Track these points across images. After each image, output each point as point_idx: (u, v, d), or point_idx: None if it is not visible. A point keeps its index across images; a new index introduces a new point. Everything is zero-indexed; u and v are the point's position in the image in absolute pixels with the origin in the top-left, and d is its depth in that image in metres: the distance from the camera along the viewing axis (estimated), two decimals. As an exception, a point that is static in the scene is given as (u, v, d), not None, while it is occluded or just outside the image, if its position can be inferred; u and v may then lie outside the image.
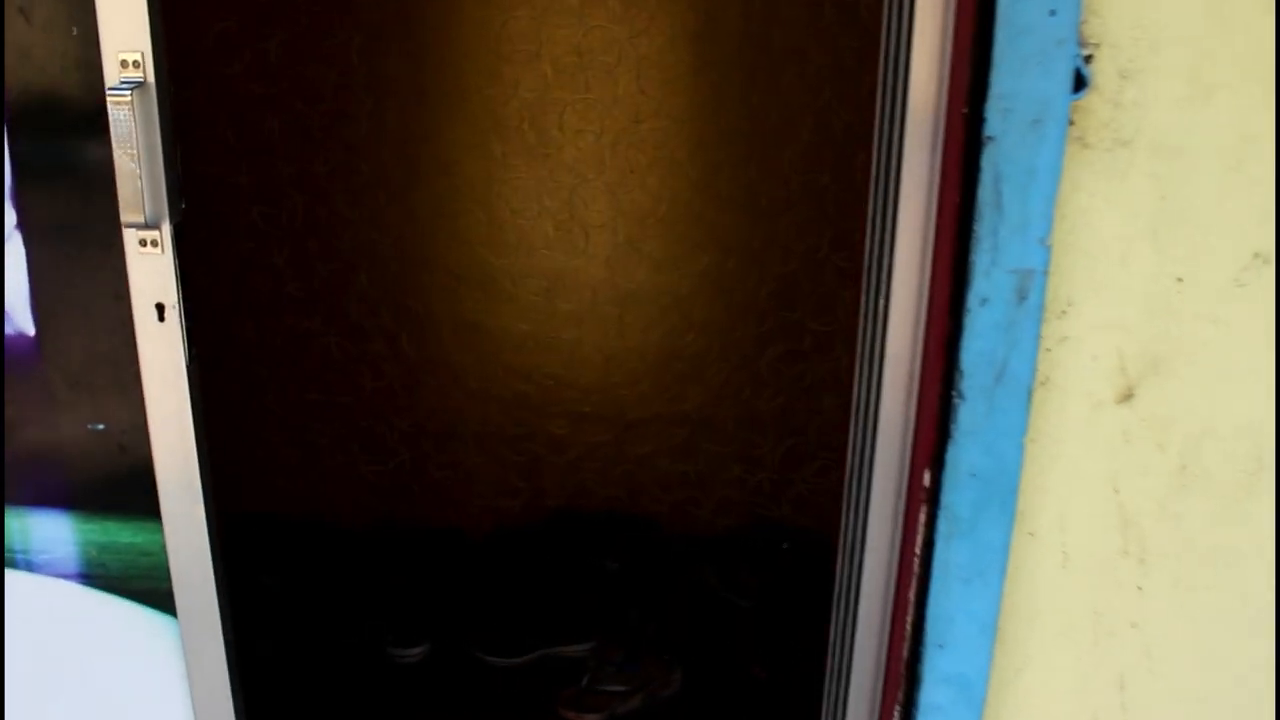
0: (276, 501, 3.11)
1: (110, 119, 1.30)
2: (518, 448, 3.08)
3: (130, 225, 1.36)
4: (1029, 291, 1.31)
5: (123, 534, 1.54)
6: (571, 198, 2.89)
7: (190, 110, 2.82)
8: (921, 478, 1.44)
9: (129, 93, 1.30)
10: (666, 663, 2.64)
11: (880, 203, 1.46)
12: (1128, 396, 1.41)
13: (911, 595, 1.49)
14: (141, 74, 1.33)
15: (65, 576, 1.58)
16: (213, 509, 1.53)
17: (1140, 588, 1.51)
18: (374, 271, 2.93)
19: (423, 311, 2.96)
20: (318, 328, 2.98)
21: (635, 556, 3.00)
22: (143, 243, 1.39)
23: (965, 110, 1.28)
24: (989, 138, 1.25)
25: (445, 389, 3.02)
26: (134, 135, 1.31)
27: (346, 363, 3.00)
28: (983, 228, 1.28)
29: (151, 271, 1.40)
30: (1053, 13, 1.21)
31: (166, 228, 1.38)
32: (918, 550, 1.46)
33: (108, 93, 1.30)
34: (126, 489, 1.51)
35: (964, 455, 1.37)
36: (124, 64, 1.32)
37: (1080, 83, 1.26)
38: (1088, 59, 1.26)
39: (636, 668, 2.63)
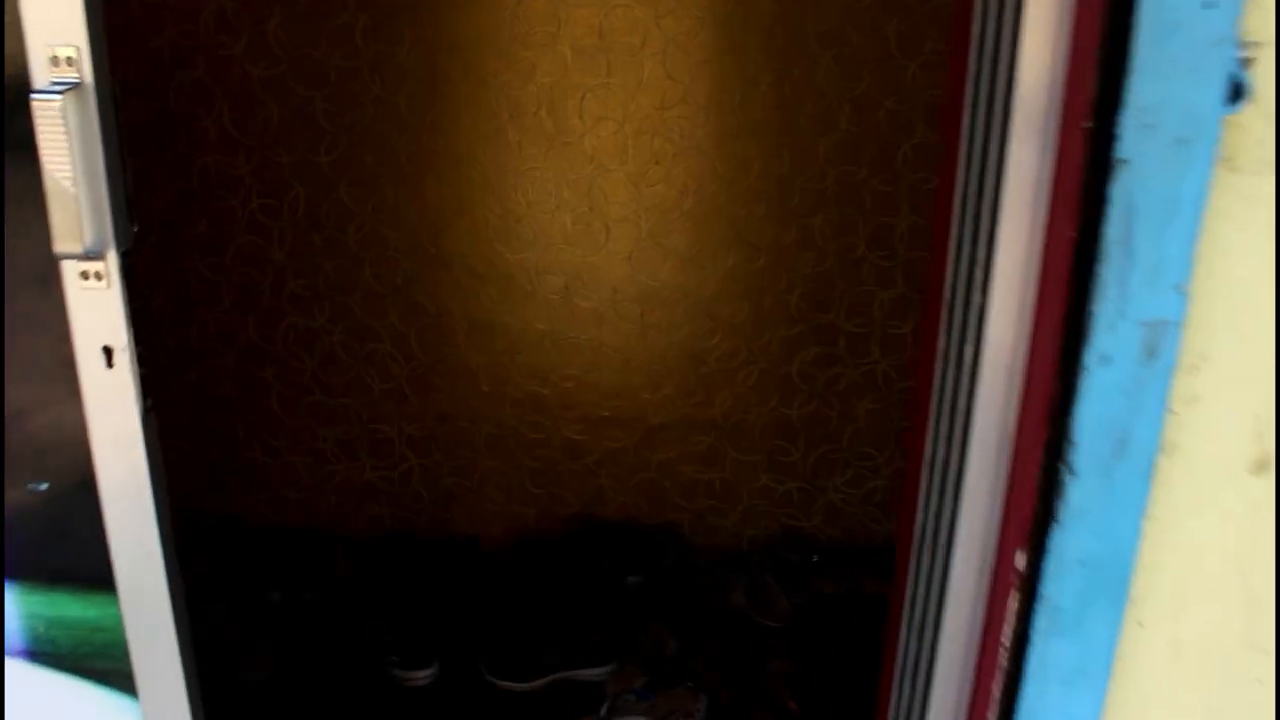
0: (278, 510, 2.85)
1: (37, 129, 1.02)
2: (533, 453, 2.81)
3: (66, 256, 1.08)
4: (1160, 347, 1.03)
5: (72, 607, 1.27)
6: (591, 189, 2.61)
7: (190, 93, 2.54)
8: (1012, 558, 1.16)
9: (59, 97, 1.02)
10: (691, 690, 2.39)
11: (967, 233, 1.17)
12: (1263, 466, 1.13)
13: (996, 691, 1.22)
14: (77, 73, 1.05)
15: (9, 653, 1.31)
16: (179, 581, 1.26)
17: (1260, 681, 1.24)
18: (381, 267, 2.65)
19: (433, 309, 2.68)
20: (322, 326, 2.70)
21: (656, 570, 2.73)
22: (84, 275, 1.11)
23: (1088, 125, 0.99)
24: (1122, 160, 0.97)
25: (457, 391, 2.75)
26: (69, 148, 1.04)
27: (352, 363, 2.73)
28: (1108, 271, 1.00)
29: (96, 309, 1.13)
30: (1208, 4, 0.93)
31: (113, 258, 1.11)
32: (1005, 641, 1.19)
33: (33, 97, 1.02)
34: (75, 557, 1.25)
35: (1071, 540, 1.10)
36: (55, 61, 1.04)
37: (1237, 92, 0.97)
38: (1246, 63, 0.98)
39: (658, 696, 2.37)
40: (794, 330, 2.71)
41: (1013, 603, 1.17)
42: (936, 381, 1.25)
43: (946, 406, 1.22)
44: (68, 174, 1.04)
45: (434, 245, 2.64)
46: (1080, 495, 1.08)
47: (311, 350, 2.72)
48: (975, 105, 1.15)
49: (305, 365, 2.73)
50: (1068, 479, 1.08)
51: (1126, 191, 0.97)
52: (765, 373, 2.74)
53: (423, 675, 2.44)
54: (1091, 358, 1.02)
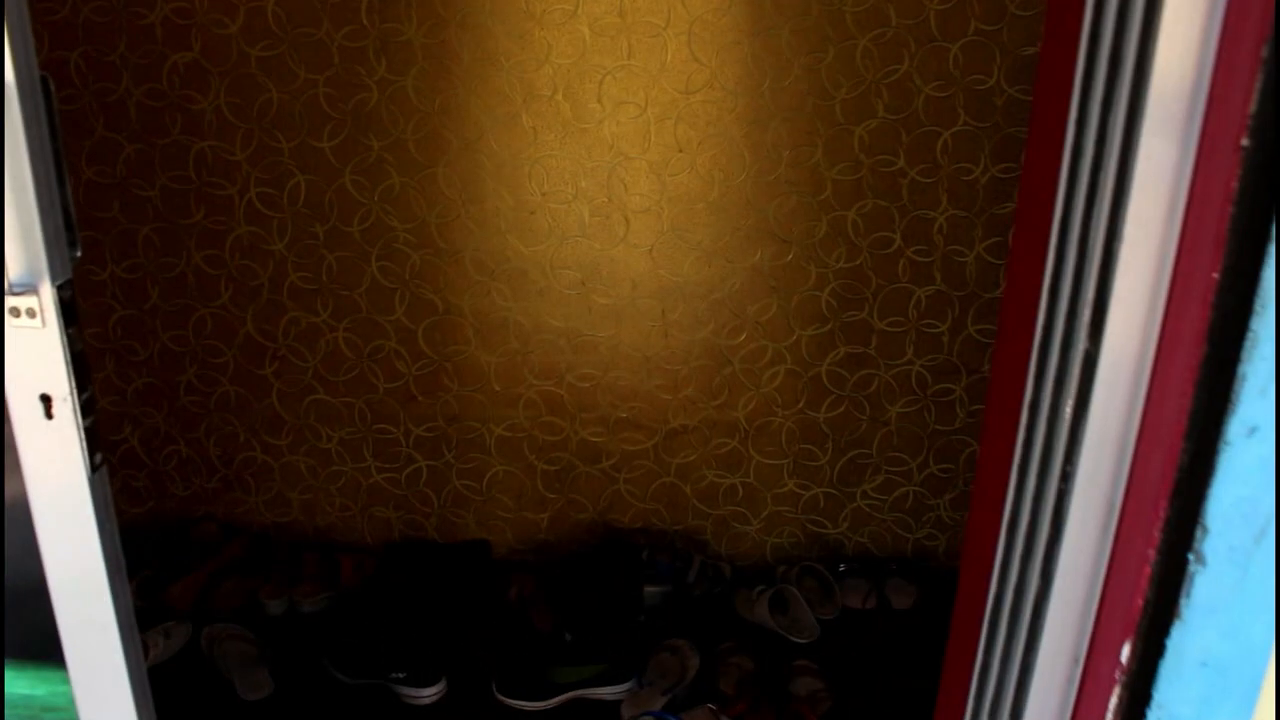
0: (280, 512, 2.66)
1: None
2: (547, 456, 2.60)
3: (-12, 291, 0.88)
4: (1318, 415, 0.81)
5: (18, 684, 1.07)
6: (610, 179, 2.39)
7: (184, 74, 2.32)
8: (1116, 652, 0.95)
9: (-30, 100, 0.81)
10: (713, 712, 2.19)
11: (1070, 259, 0.95)
12: None
13: (1089, 800, 1.02)
14: (-7, 69, 0.84)
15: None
16: (138, 657, 1.06)
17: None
18: (387, 260, 2.45)
19: (442, 305, 2.48)
20: (325, 322, 2.50)
21: (676, 579, 2.53)
22: (14, 312, 0.90)
23: (1245, 143, 0.78)
24: (1290, 191, 0.75)
25: (467, 391, 2.55)
26: (-13, 160, 0.83)
27: (357, 361, 2.53)
28: (1260, 326, 0.79)
29: (30, 352, 0.92)
30: None
31: (48, 291, 0.90)
32: (1103, 745, 0.98)
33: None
34: (19, 630, 1.05)
35: (1195, 640, 0.89)
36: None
37: None
38: None
39: (679, 718, 2.18)
40: (824, 329, 2.49)
41: (1115, 702, 0.96)
42: (1022, 433, 1.03)
43: (1036, 464, 1.01)
44: (-14, 192, 0.83)
45: (443, 237, 2.42)
46: (1210, 589, 0.87)
47: (314, 347, 2.51)
48: (1085, 107, 0.92)
49: (307, 362, 2.53)
50: (1195, 568, 0.87)
51: (1294, 228, 0.76)
52: (792, 373, 2.53)
53: (429, 693, 2.25)
54: (1235, 428, 0.81)
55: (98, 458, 0.97)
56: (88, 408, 0.96)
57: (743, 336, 2.50)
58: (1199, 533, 0.85)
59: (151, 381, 2.56)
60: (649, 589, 2.48)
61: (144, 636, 2.28)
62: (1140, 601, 0.92)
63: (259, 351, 2.52)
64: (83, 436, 0.95)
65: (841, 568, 2.61)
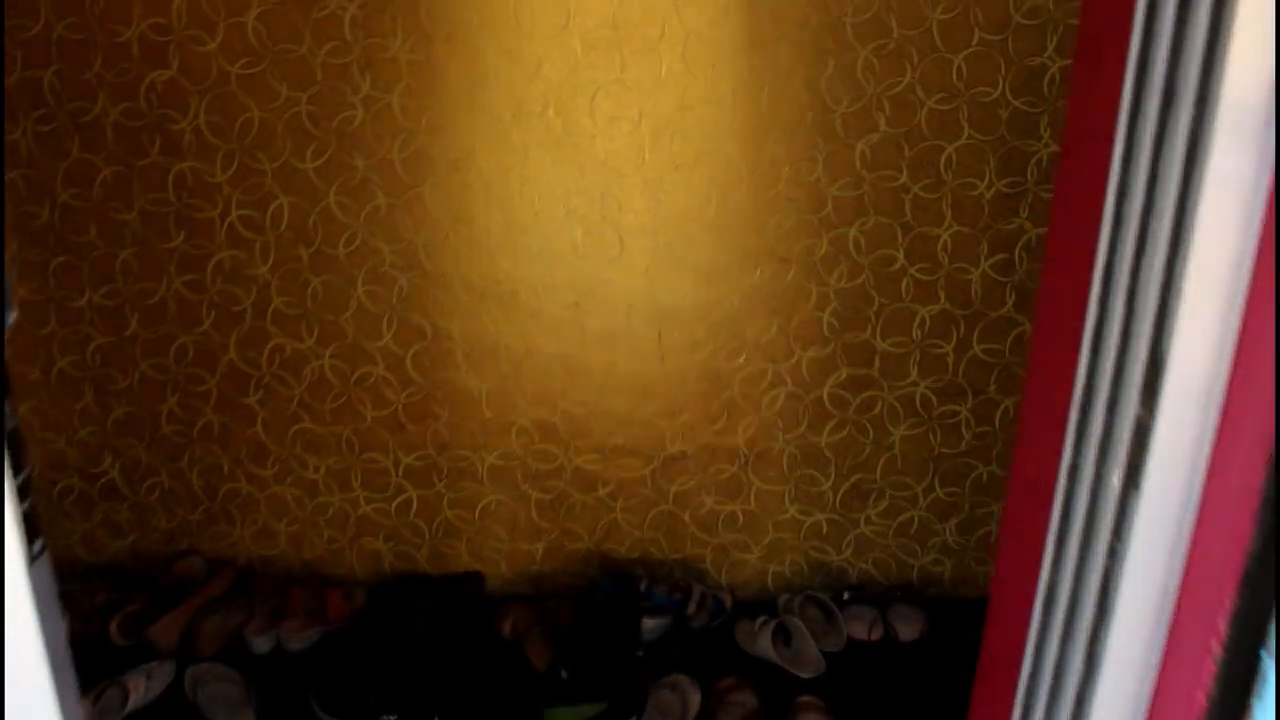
0: (266, 544, 2.53)
1: None
2: (541, 484, 2.48)
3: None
4: None
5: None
6: (604, 197, 2.27)
7: (162, 93, 2.20)
8: (1172, 749, 0.84)
9: None
10: (715, 754, 2.08)
11: (1114, 314, 0.83)
12: None
13: None
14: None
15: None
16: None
17: None
18: (374, 284, 2.33)
19: (430, 329, 2.36)
20: (310, 348, 2.38)
21: (675, 612, 2.41)
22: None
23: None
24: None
25: (457, 418, 2.42)
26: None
27: (344, 388, 2.40)
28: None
29: (-55, 424, 0.80)
30: None
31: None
32: None
33: None
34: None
35: (1268, 743, 0.77)
36: None
37: None
38: None
39: (680, 760, 2.06)
40: (825, 350, 2.38)
41: (1170, 805, 0.84)
42: (1059, 502, 0.91)
43: (1077, 536, 0.89)
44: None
45: (431, 259, 2.30)
46: (1286, 688, 0.75)
47: (299, 374, 2.39)
48: (1137, 119, 0.80)
49: (293, 390, 2.41)
50: (1268, 663, 0.75)
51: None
52: (793, 396, 2.41)
53: (420, 736, 2.14)
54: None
55: (37, 545, 0.85)
56: (24, 490, 0.83)
57: (742, 359, 2.38)
58: (1275, 626, 0.73)
59: (132, 411, 2.43)
60: (648, 622, 2.36)
61: (125, 679, 2.16)
62: (1203, 698, 0.80)
63: (242, 379, 2.40)
64: (20, 522, 0.83)
65: (846, 595, 2.49)
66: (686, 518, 2.51)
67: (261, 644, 2.30)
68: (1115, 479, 0.82)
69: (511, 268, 2.31)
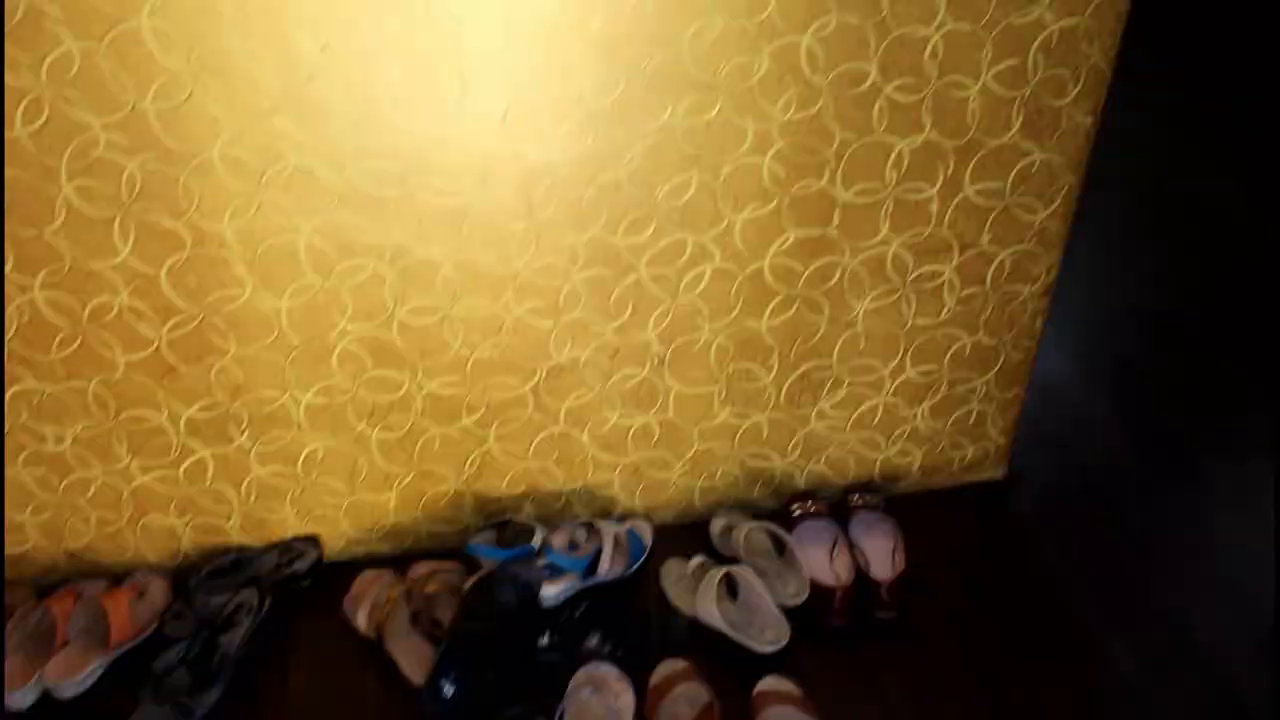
0: (12, 540, 1.77)
1: None
2: (383, 421, 1.76)
3: None
4: None
5: None
6: (430, 9, 1.43)
7: None
8: None
9: None
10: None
11: None
12: None
13: None
14: None
15: None
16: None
17: None
18: (86, 176, 1.46)
19: (189, 233, 1.52)
20: (10, 279, 1.53)
21: (583, 565, 1.80)
22: None
23: None
24: None
25: (251, 350, 1.64)
26: None
27: (74, 328, 1.58)
28: None
29: None
30: None
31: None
32: None
33: None
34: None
35: None
36: None
37: None
38: None
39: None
40: (766, 208, 1.66)
41: None
42: None
43: None
44: None
45: (170, 130, 1.45)
46: None
47: (2, 316, 1.56)
48: None
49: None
50: None
51: None
52: (722, 273, 1.71)
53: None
54: None
55: None
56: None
57: (649, 231, 1.65)
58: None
59: None
60: (549, 589, 1.75)
61: None
62: None
63: None
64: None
65: (796, 510, 1.91)
66: (585, 438, 1.85)
67: (21, 697, 1.61)
68: None
69: (297, 131, 1.48)
